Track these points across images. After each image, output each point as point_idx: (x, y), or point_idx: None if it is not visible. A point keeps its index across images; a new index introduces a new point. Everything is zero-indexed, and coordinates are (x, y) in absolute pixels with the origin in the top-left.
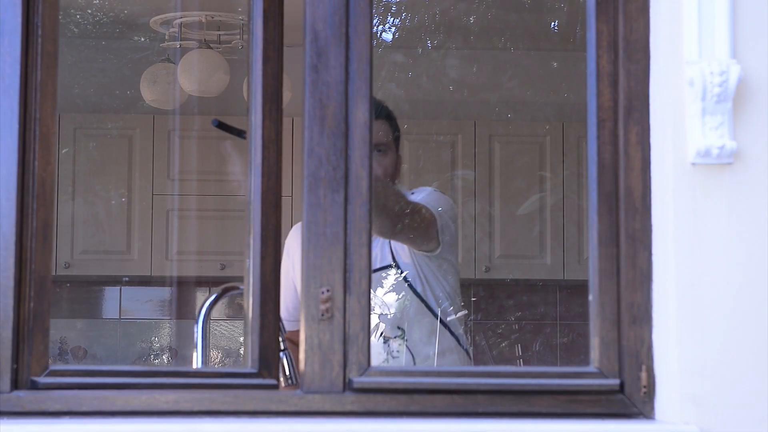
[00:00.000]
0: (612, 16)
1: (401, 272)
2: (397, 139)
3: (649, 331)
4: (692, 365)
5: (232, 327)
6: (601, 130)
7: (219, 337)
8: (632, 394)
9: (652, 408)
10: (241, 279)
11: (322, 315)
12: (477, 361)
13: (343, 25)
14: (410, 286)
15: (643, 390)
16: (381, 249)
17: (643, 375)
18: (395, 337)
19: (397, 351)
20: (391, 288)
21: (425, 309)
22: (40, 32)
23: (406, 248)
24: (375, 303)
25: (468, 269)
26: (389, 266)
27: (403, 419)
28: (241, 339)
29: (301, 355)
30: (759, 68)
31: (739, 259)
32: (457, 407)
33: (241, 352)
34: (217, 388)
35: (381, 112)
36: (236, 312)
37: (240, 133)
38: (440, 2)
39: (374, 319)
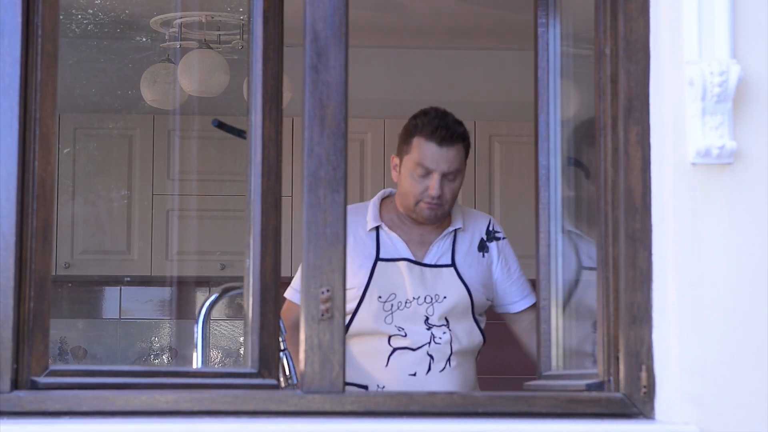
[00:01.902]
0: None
1: (459, 275)
2: (467, 156)
3: (649, 331)
4: (692, 365)
5: (232, 327)
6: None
7: (219, 337)
8: (632, 394)
9: (652, 408)
10: (241, 279)
11: (322, 315)
12: (480, 362)
13: (343, 25)
14: (467, 288)
15: (643, 390)
16: (443, 249)
17: (643, 375)
18: (440, 325)
19: (440, 338)
20: (447, 283)
21: (470, 311)
22: (40, 32)
23: (468, 257)
24: (426, 293)
25: None
26: (449, 266)
27: (403, 419)
28: (241, 339)
29: (301, 355)
30: (759, 68)
31: (739, 259)
32: (457, 407)
33: (242, 352)
34: (217, 388)
35: (459, 135)
36: (236, 312)
37: (240, 133)
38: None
39: (421, 307)
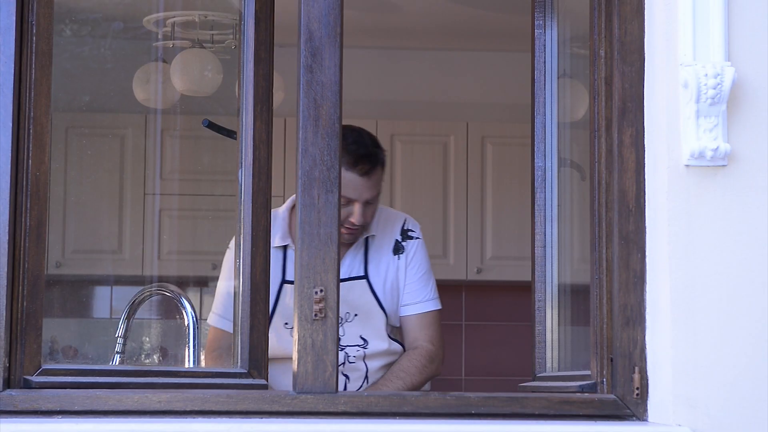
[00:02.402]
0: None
1: (371, 287)
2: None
3: (642, 333)
4: (685, 367)
5: None
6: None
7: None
8: (625, 395)
9: (645, 410)
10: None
11: (315, 315)
12: (471, 364)
13: (338, 25)
14: (378, 302)
15: (636, 392)
16: (356, 260)
17: (636, 377)
18: (353, 345)
19: (354, 357)
20: (358, 299)
21: (384, 327)
22: (34, 30)
23: (380, 265)
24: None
25: (459, 271)
26: (361, 277)
27: (396, 420)
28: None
29: (294, 355)
30: (753, 71)
31: (732, 261)
32: (450, 408)
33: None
34: (207, 387)
35: (376, 163)
36: None
37: (230, 134)
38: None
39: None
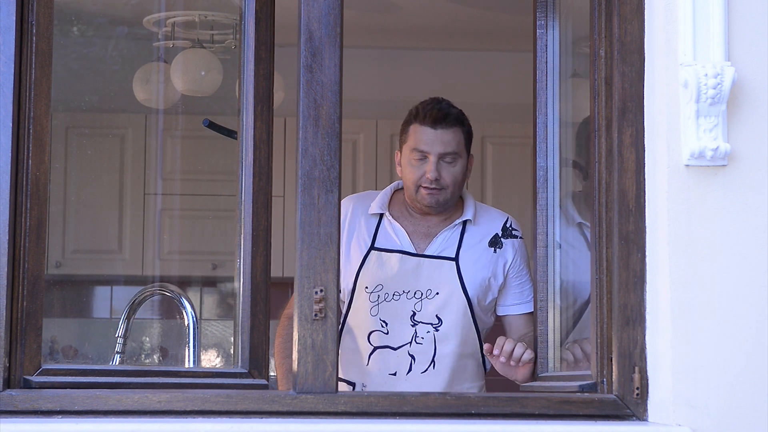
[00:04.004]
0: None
1: (459, 270)
2: (468, 143)
3: (642, 333)
4: (685, 367)
5: (223, 327)
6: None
7: (210, 337)
8: (625, 395)
9: (645, 409)
10: (232, 279)
11: (316, 315)
12: None
13: (338, 25)
14: (463, 286)
15: (636, 391)
16: (449, 241)
17: (636, 376)
18: (426, 323)
19: (422, 338)
20: (443, 278)
21: (467, 311)
22: (34, 30)
23: (473, 252)
24: (417, 287)
25: None
26: (451, 259)
27: (396, 420)
28: (231, 339)
29: (295, 355)
30: (753, 71)
31: (732, 261)
32: (450, 408)
33: (231, 352)
34: (207, 387)
35: (454, 116)
36: (226, 312)
37: (230, 134)
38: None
39: (410, 302)
